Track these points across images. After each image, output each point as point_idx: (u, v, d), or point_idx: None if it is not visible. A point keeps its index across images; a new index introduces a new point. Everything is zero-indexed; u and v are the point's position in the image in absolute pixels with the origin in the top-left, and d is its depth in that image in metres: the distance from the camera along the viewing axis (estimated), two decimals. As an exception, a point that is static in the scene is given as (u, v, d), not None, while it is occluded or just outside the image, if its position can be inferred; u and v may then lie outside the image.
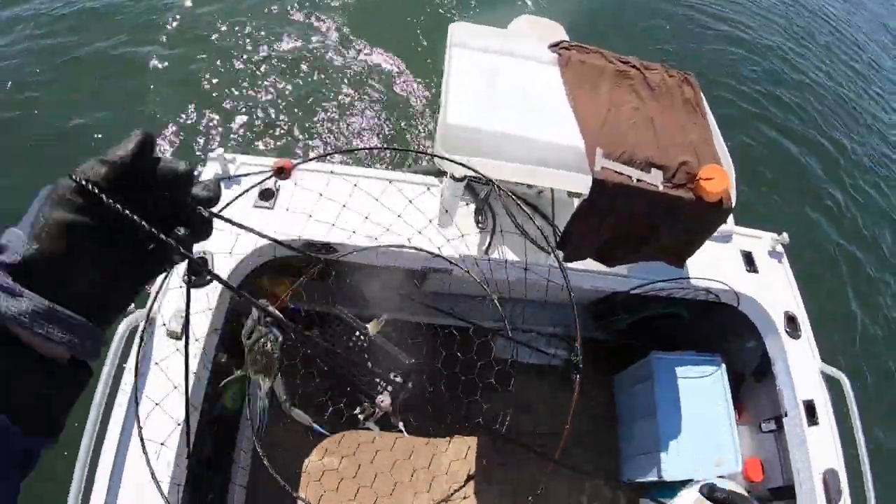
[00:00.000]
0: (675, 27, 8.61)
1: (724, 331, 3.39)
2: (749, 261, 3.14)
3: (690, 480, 2.94)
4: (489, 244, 2.90)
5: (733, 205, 2.24)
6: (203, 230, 0.70)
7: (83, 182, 0.58)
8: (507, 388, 3.32)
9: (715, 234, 3.16)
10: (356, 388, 2.13)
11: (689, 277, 2.93)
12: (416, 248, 2.60)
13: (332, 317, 2.60)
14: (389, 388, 2.10)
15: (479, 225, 2.98)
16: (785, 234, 3.21)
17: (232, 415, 2.97)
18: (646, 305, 3.21)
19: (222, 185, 1.85)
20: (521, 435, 3.35)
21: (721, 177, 2.13)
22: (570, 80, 2.38)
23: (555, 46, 2.51)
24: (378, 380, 2.15)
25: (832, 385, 2.91)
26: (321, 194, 2.52)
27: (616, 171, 2.11)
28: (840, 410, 2.85)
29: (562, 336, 3.70)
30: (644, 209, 2.21)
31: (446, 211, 2.68)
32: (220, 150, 2.66)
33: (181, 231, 0.65)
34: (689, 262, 2.96)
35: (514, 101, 2.25)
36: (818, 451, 2.77)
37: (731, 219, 3.22)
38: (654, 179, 2.15)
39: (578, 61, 2.44)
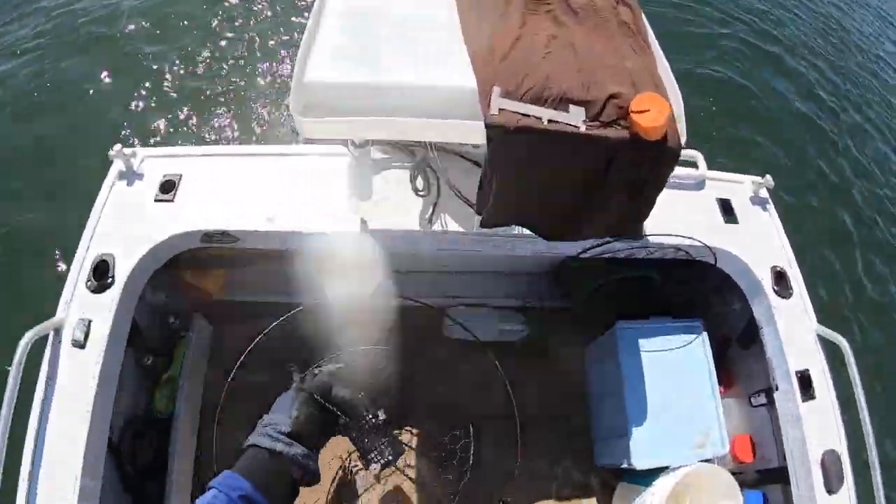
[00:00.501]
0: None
1: (705, 293, 2.96)
2: (727, 210, 2.68)
3: (668, 467, 2.56)
4: (432, 213, 2.58)
5: (682, 142, 1.80)
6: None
7: (313, 394, 1.47)
8: (462, 370, 3.02)
9: (682, 181, 2.74)
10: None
11: (650, 235, 2.50)
12: (321, 231, 2.31)
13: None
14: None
15: (420, 192, 2.64)
16: (769, 177, 2.74)
17: (165, 417, 2.75)
18: (608, 270, 2.81)
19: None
20: (480, 419, 3.03)
21: (659, 107, 1.68)
22: (465, 9, 1.94)
23: None
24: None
25: (831, 351, 2.47)
26: (226, 180, 2.37)
27: (518, 113, 1.68)
28: (841, 381, 2.42)
29: (518, 308, 3.30)
30: (566, 158, 1.79)
31: (359, 183, 2.35)
32: (118, 146, 2.37)
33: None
34: (653, 213, 2.55)
35: (393, 42, 1.82)
36: (815, 429, 2.35)
37: (702, 163, 2.77)
38: (574, 118, 1.71)
39: None
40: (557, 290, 3.21)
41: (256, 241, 2.37)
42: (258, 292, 3.15)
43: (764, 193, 2.78)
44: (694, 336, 2.76)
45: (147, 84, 5.51)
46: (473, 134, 1.72)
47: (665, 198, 2.64)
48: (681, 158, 2.77)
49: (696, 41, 7.13)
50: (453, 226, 2.47)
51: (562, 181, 1.88)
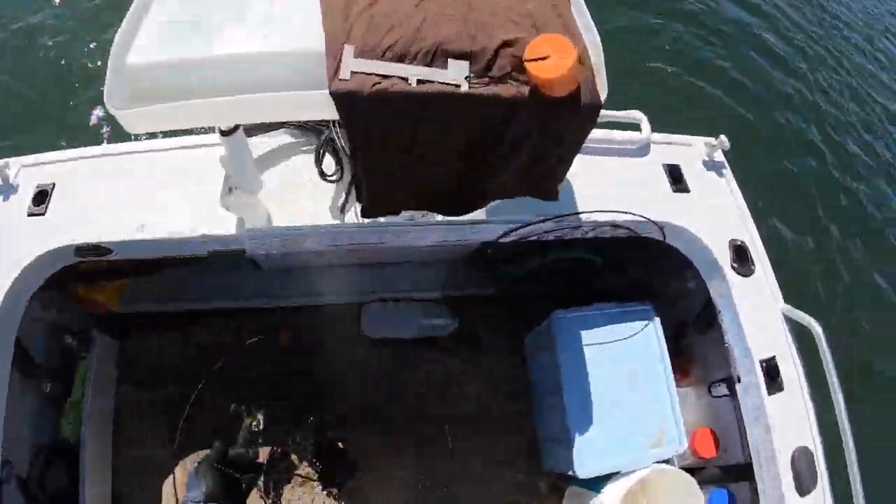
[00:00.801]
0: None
1: (657, 273, 2.61)
2: (675, 177, 2.32)
3: (617, 473, 2.26)
4: (345, 200, 2.25)
5: (602, 97, 1.43)
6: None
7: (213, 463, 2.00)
8: (386, 370, 2.69)
9: (623, 146, 2.36)
10: None
11: (583, 212, 2.13)
12: (203, 237, 2.03)
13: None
14: None
15: (329, 177, 2.29)
16: (723, 137, 2.37)
17: (73, 443, 2.48)
18: (534, 253, 2.46)
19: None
20: (412, 420, 2.76)
21: (562, 52, 1.30)
22: None
23: None
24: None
25: (801, 335, 2.15)
26: (98, 185, 2.13)
27: (376, 74, 1.29)
28: (813, 368, 2.09)
29: (443, 299, 2.93)
30: (446, 124, 1.41)
31: (242, 176, 1.96)
32: None
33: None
34: (586, 185, 2.18)
35: (233, 7, 1.42)
36: (784, 425, 2.06)
37: (646, 124, 2.38)
38: (453, 75, 1.32)
39: None
40: (484, 277, 2.84)
41: (130, 251, 2.10)
42: (165, 299, 2.84)
43: (719, 157, 2.42)
44: (644, 322, 2.43)
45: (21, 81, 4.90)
46: (323, 106, 1.33)
47: (603, 166, 2.29)
48: (621, 120, 2.43)
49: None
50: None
51: (445, 152, 1.51)
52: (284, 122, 2.33)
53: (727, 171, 2.42)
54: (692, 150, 2.42)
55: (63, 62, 4.92)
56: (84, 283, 2.54)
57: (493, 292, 2.92)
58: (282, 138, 2.39)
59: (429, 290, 2.93)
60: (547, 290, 2.65)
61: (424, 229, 2.08)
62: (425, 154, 1.50)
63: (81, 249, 2.05)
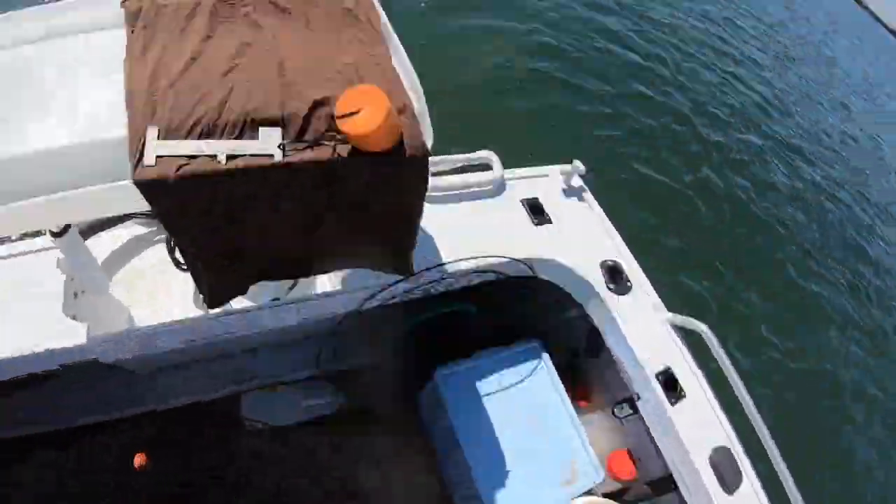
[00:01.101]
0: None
1: (540, 308, 2.63)
2: (536, 210, 2.37)
3: (538, 518, 2.18)
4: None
5: (428, 144, 1.43)
6: None
7: None
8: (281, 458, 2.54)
9: (477, 189, 2.39)
10: None
11: (442, 263, 2.12)
12: (47, 351, 1.79)
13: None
14: None
15: (182, 266, 2.14)
16: (577, 162, 2.46)
17: None
18: (404, 315, 2.38)
19: None
20: None
21: (375, 103, 1.29)
22: (137, 38, 1.46)
23: None
24: None
25: (692, 341, 2.20)
26: None
27: (183, 156, 1.23)
28: (711, 369, 2.16)
29: (321, 376, 2.77)
30: (267, 197, 1.36)
31: (81, 278, 1.83)
32: None
33: None
34: (443, 235, 2.18)
35: (36, 101, 1.33)
36: (694, 430, 2.08)
37: (497, 163, 2.43)
38: (265, 145, 1.28)
39: (157, 6, 1.54)
40: (358, 347, 2.71)
41: None
42: (24, 422, 2.48)
43: (577, 181, 2.51)
44: (535, 362, 2.42)
45: None
46: (135, 197, 1.24)
47: (459, 212, 2.28)
48: (472, 162, 2.48)
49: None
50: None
51: (276, 226, 1.45)
52: (131, 214, 2.21)
53: (587, 195, 2.49)
54: (549, 181, 2.49)
55: None
56: None
57: (367, 363, 2.78)
58: (133, 229, 2.27)
59: (306, 368, 2.74)
60: (429, 348, 2.58)
61: (280, 310, 1.98)
62: (255, 231, 1.44)
63: None
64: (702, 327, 2.07)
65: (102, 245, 2.30)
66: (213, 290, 1.57)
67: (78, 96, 1.35)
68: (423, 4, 6.16)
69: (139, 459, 2.35)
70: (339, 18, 1.64)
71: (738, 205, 5.92)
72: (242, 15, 1.58)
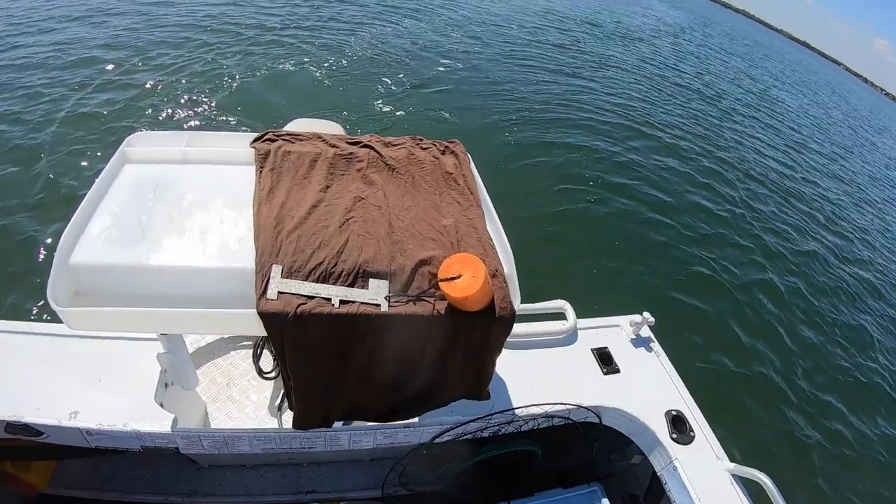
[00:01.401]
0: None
1: (603, 453, 2.60)
2: (605, 359, 2.43)
3: None
4: (282, 400, 2.30)
5: (516, 305, 1.53)
6: None
7: None
8: None
9: (551, 337, 2.48)
10: None
11: (512, 408, 2.16)
12: (135, 433, 1.90)
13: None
14: None
15: (265, 375, 2.34)
16: (647, 314, 2.55)
17: None
18: (472, 450, 2.40)
19: None
20: None
21: (472, 271, 1.43)
22: (266, 179, 1.68)
23: (257, 140, 1.83)
24: None
25: (754, 491, 2.13)
26: (34, 361, 2.03)
27: (302, 295, 1.36)
28: None
29: (383, 498, 2.77)
30: (370, 340, 1.46)
31: (176, 373, 1.93)
32: None
33: None
34: (517, 379, 2.24)
35: (176, 221, 1.52)
36: None
37: (571, 313, 2.53)
38: (373, 295, 1.41)
39: (283, 153, 1.77)
40: (424, 475, 2.74)
41: (61, 437, 1.95)
42: (96, 486, 2.57)
43: (646, 332, 2.57)
44: (592, 504, 2.35)
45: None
46: (253, 324, 1.37)
47: (532, 359, 2.38)
48: (549, 311, 2.60)
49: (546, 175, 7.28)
50: None
51: (373, 369, 1.54)
52: None
53: (655, 345, 2.55)
54: (619, 331, 2.56)
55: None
56: (14, 459, 2.32)
57: (436, 490, 2.79)
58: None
59: (368, 488, 2.75)
60: (492, 483, 2.57)
61: (358, 434, 2.04)
62: (354, 371, 1.53)
63: (12, 426, 1.90)
64: (763, 478, 2.02)
65: (195, 341, 2.48)
66: (303, 418, 1.64)
67: (211, 222, 1.53)
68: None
69: None
70: (441, 180, 1.83)
71: (811, 361, 5.80)
72: (356, 170, 1.79)
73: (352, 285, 1.41)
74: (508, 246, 1.66)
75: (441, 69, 10.19)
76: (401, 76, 9.20)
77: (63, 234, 1.42)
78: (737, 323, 5.81)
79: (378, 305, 1.39)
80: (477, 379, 1.72)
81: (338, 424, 2.15)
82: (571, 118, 9.43)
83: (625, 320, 2.63)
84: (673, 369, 2.50)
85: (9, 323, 2.16)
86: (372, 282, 1.42)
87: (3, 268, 4.46)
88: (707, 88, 13.33)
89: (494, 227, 1.72)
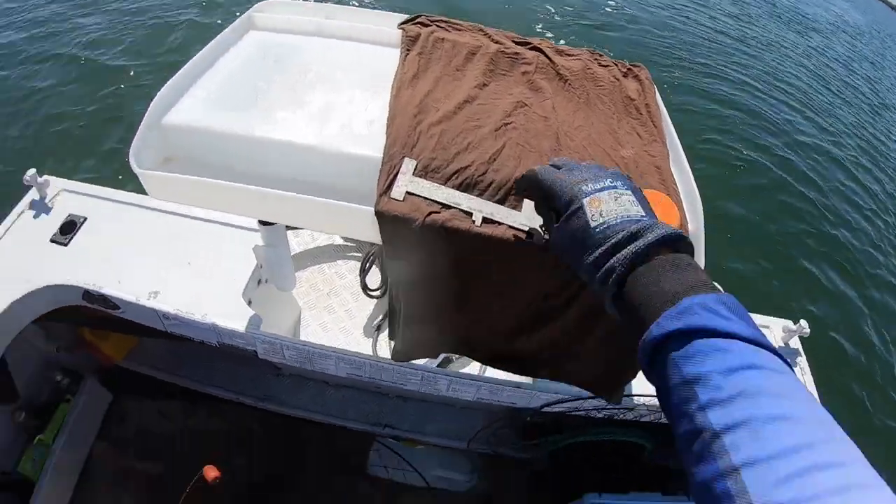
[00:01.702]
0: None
1: None
2: None
3: None
4: (381, 321, 2.13)
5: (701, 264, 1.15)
6: None
7: None
8: None
9: None
10: None
11: (634, 394, 1.83)
12: (213, 326, 1.78)
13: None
14: None
15: (370, 292, 2.19)
16: (804, 322, 2.08)
17: (30, 482, 2.24)
18: (581, 428, 2.14)
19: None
20: None
21: (663, 211, 1.06)
22: (412, 63, 1.37)
23: (408, 22, 1.53)
24: None
25: None
26: (126, 234, 2.01)
27: (435, 201, 1.06)
28: None
29: (465, 451, 2.54)
30: (509, 276, 1.14)
31: (272, 269, 1.80)
32: (32, 171, 2.01)
33: None
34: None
35: (300, 92, 1.26)
36: None
37: None
38: (525, 220, 1.08)
39: (436, 38, 1.46)
40: (517, 439, 2.48)
41: (136, 314, 1.90)
42: (172, 370, 2.60)
43: (795, 343, 2.12)
44: (682, 517, 2.01)
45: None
46: (366, 225, 1.09)
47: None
48: None
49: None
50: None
51: (500, 307, 1.22)
52: None
53: (802, 360, 2.10)
54: (768, 332, 2.13)
55: (126, 102, 5.16)
56: (92, 327, 2.36)
57: (521, 455, 2.55)
58: (329, 235, 2.29)
59: (451, 438, 2.54)
60: (584, 468, 2.30)
61: (460, 382, 1.78)
62: (478, 303, 1.23)
63: (90, 295, 1.87)
64: None
65: (298, 239, 2.35)
66: (405, 347, 1.38)
67: (336, 101, 1.26)
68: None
69: (212, 472, 2.24)
70: (620, 105, 1.45)
71: None
72: (521, 73, 1.45)
73: (501, 202, 1.09)
74: (699, 198, 1.26)
75: (609, 9, 10.62)
76: (566, 7, 9.67)
77: (159, 92, 1.19)
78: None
79: (530, 234, 1.06)
80: (616, 374, 1.38)
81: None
82: (730, 78, 9.22)
83: (777, 323, 2.19)
84: (814, 389, 2.06)
85: (104, 189, 2.11)
86: (527, 204, 1.09)
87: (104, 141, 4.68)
88: (875, 96, 11.89)
89: (682, 173, 1.33)
